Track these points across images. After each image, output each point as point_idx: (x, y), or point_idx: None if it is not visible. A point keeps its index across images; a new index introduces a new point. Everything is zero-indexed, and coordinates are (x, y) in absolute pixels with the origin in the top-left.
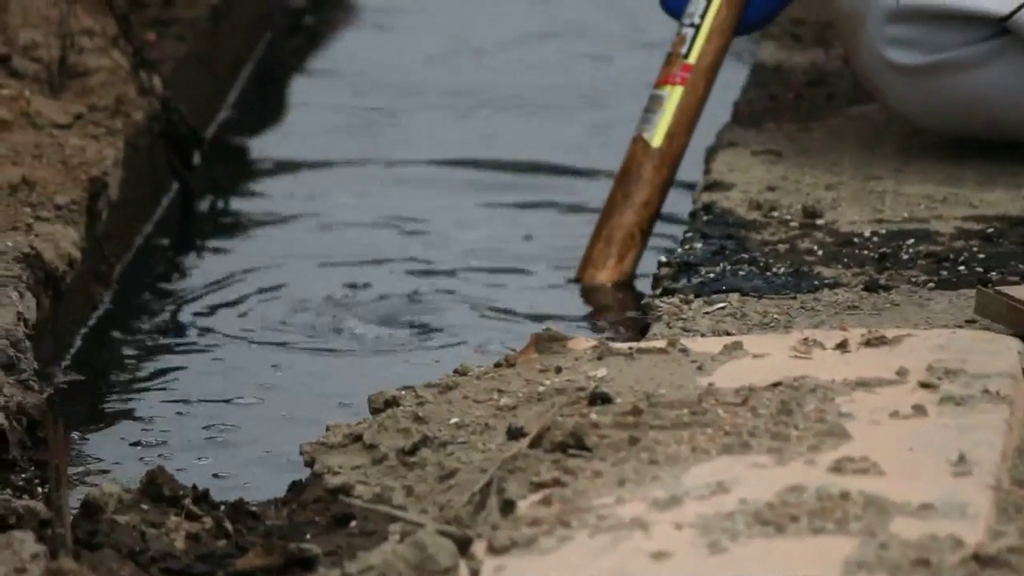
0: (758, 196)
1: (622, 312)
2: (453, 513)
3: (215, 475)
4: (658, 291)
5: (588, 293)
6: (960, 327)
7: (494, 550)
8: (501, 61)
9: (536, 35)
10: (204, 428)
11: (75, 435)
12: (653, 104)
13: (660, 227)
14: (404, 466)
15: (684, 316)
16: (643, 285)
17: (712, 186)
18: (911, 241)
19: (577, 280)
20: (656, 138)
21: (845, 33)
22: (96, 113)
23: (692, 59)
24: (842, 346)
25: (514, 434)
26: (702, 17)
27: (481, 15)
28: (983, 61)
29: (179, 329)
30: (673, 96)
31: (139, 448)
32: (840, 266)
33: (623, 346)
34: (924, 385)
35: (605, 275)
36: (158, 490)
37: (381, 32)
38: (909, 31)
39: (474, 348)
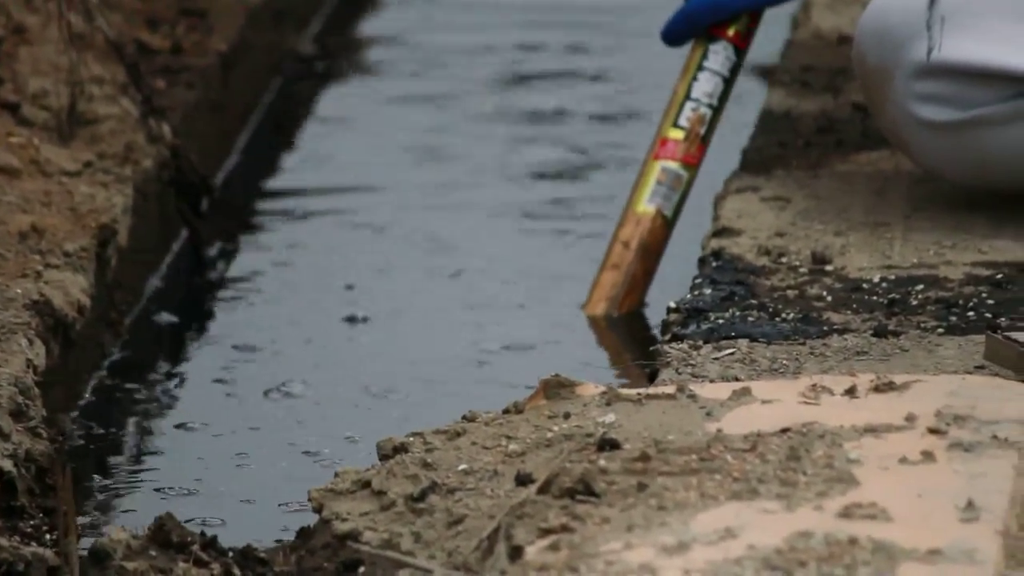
0: (767, 242)
1: (630, 354)
2: (461, 559)
3: (222, 521)
4: (667, 337)
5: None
6: (969, 373)
7: None
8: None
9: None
10: (215, 477)
11: (83, 483)
12: (672, 180)
13: (667, 272)
14: (412, 512)
15: (693, 362)
16: (652, 315)
17: (721, 232)
18: (920, 287)
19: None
20: (672, 215)
21: (872, 88)
22: (105, 160)
23: (707, 141)
24: (851, 392)
25: (522, 480)
26: (720, 101)
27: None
28: (1014, 118)
29: (189, 378)
30: (689, 176)
31: (148, 495)
32: (849, 312)
33: (632, 392)
34: (933, 431)
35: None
36: (166, 536)
37: (384, 80)
38: (938, 87)
39: None
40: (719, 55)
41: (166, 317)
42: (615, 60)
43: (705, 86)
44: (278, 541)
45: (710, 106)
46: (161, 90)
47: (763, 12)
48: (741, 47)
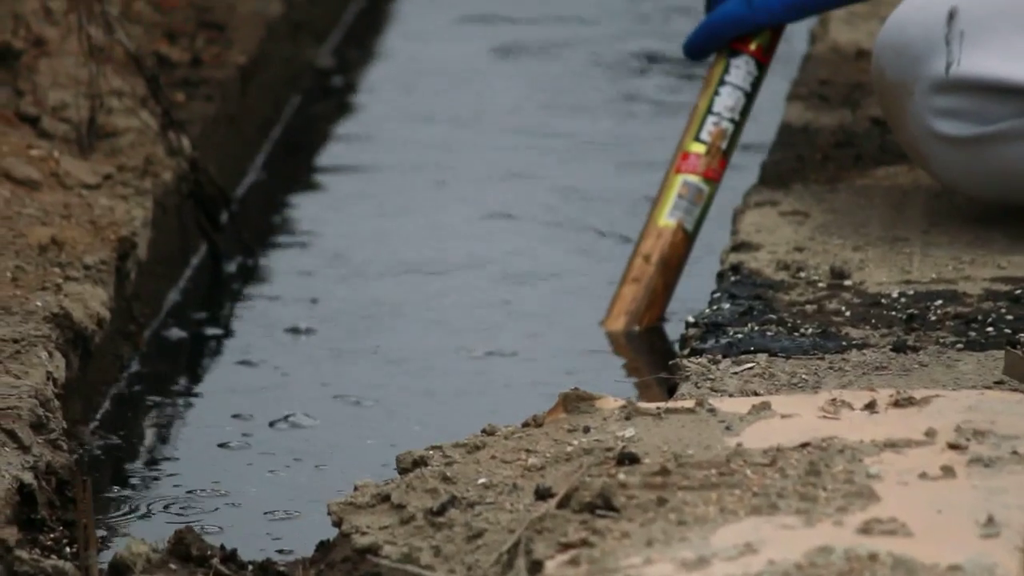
0: (785, 257)
1: (649, 369)
2: (481, 573)
3: (243, 535)
4: (686, 351)
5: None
6: (988, 388)
7: None
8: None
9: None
10: (232, 491)
11: (103, 495)
12: (693, 195)
13: (686, 287)
14: (432, 526)
15: (712, 376)
16: (671, 330)
17: (740, 247)
18: (939, 302)
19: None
20: (693, 229)
21: (891, 104)
22: (125, 173)
23: (729, 156)
24: (870, 407)
25: (542, 494)
26: (742, 115)
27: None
28: None
29: (206, 391)
30: (710, 190)
31: (168, 508)
32: (868, 327)
33: (651, 406)
34: (952, 446)
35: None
36: (186, 550)
37: (409, 94)
38: (958, 102)
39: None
40: (741, 69)
41: (185, 330)
42: None
43: (727, 100)
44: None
45: (732, 120)
46: (180, 103)
47: (785, 27)
48: (763, 62)
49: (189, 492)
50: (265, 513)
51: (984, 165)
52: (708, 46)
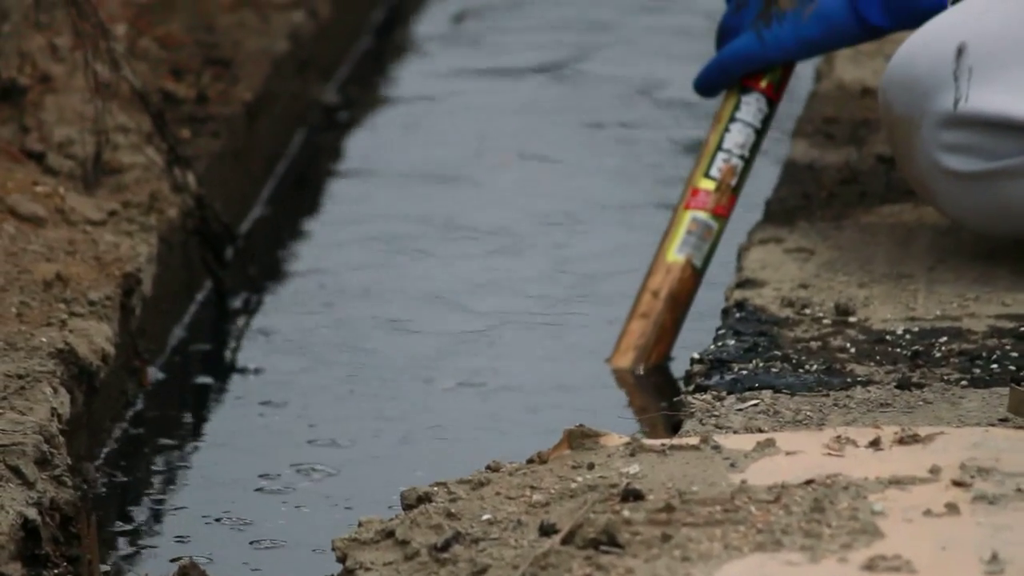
0: (790, 294)
1: (653, 405)
2: None
3: (251, 567)
4: (691, 388)
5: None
6: (993, 425)
7: None
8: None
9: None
10: (236, 528)
11: (107, 530)
12: (702, 231)
13: (691, 323)
14: (436, 562)
15: (717, 413)
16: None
17: (744, 283)
18: (944, 339)
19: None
20: (702, 265)
21: (898, 138)
22: (130, 209)
23: (738, 193)
24: (875, 444)
25: (546, 530)
26: (752, 152)
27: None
28: None
29: (213, 426)
30: (719, 227)
31: (172, 544)
32: (873, 364)
33: (656, 442)
34: (957, 483)
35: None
36: None
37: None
38: (966, 137)
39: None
40: (751, 106)
41: (189, 366)
42: None
43: (737, 137)
44: None
45: (742, 157)
46: (186, 139)
47: (796, 64)
48: (774, 99)
49: (194, 528)
50: (271, 548)
51: (991, 201)
52: (719, 83)
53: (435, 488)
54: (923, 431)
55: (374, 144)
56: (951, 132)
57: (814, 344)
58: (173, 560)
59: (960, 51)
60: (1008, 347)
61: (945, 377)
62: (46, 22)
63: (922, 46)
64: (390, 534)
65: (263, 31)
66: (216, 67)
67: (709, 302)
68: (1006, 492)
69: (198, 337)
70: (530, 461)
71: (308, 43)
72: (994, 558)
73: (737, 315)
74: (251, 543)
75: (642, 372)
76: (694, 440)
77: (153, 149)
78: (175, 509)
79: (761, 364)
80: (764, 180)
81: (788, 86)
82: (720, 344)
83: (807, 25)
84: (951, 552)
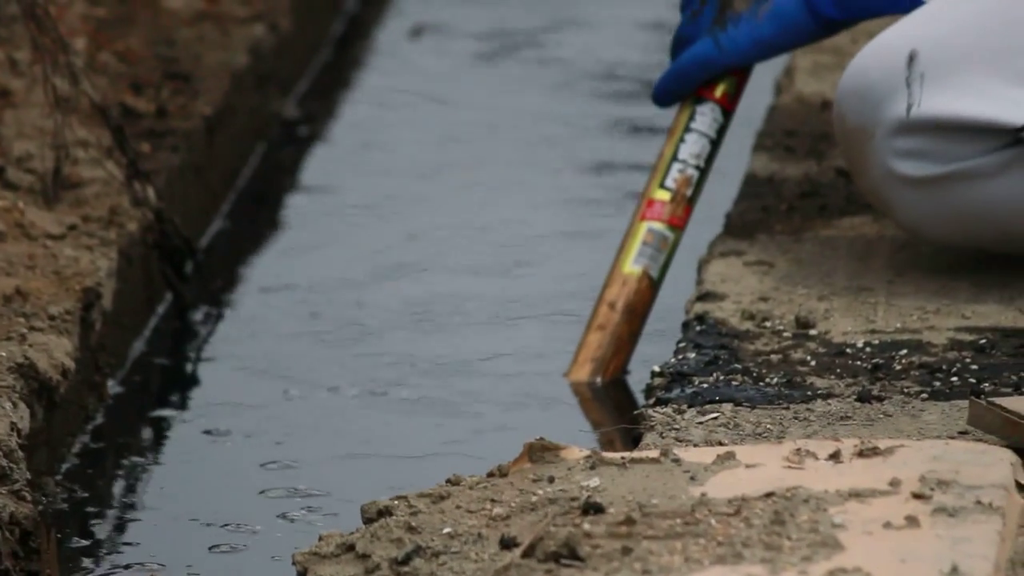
0: (751, 307)
1: (613, 419)
2: None
3: None
4: (651, 401)
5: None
6: (953, 438)
7: None
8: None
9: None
10: (198, 541)
11: (67, 546)
12: (658, 241)
13: (651, 338)
14: None
15: (677, 426)
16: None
17: (705, 296)
18: (904, 352)
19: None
20: (658, 276)
21: (853, 150)
22: (90, 224)
23: (694, 203)
24: (835, 456)
25: (507, 544)
26: (707, 163)
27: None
28: (996, 172)
29: (173, 442)
30: (675, 237)
31: (131, 559)
32: (833, 376)
33: (616, 456)
34: (917, 496)
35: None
36: None
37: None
38: (919, 143)
39: None
40: (706, 116)
41: (149, 381)
42: None
43: (692, 147)
44: None
45: (697, 168)
46: (146, 154)
47: (750, 73)
48: (728, 109)
49: (158, 543)
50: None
51: (946, 206)
52: (677, 92)
53: (395, 502)
54: (883, 444)
55: (333, 158)
56: (905, 139)
57: (774, 357)
58: (135, 569)
59: (911, 58)
60: (968, 360)
61: (905, 390)
62: (5, 36)
63: (874, 57)
64: (351, 548)
65: (223, 45)
66: (176, 81)
67: (669, 316)
68: (966, 504)
69: (159, 351)
70: (490, 475)
71: (268, 57)
72: (954, 570)
73: (697, 328)
74: (210, 548)
75: (599, 384)
76: (654, 453)
77: (113, 163)
78: (135, 523)
79: (722, 377)
80: (724, 193)
81: (746, 99)
82: (680, 357)
83: (762, 25)
84: (911, 565)
